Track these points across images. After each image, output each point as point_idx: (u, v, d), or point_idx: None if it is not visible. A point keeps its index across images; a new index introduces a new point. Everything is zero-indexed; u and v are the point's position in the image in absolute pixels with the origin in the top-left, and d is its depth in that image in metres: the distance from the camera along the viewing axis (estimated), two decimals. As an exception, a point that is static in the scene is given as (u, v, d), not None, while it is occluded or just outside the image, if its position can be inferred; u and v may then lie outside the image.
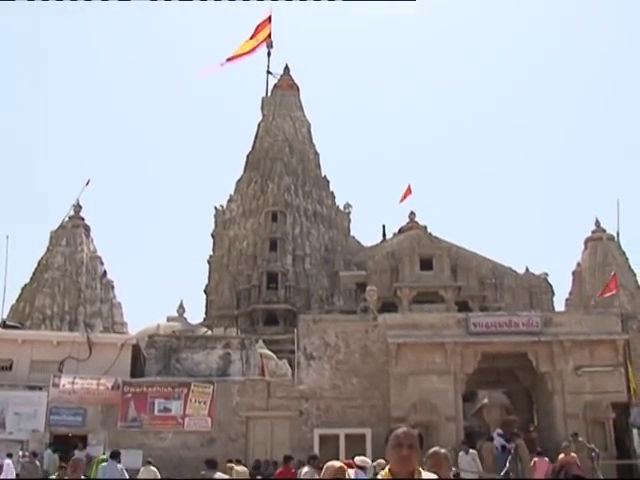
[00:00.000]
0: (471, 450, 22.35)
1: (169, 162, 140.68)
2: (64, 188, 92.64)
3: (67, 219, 42.16)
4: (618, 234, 50.66)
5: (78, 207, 42.94)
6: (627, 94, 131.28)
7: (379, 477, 4.39)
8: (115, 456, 17.56)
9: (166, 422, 26.25)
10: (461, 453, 22.21)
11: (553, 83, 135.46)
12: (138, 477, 19.80)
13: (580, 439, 23.69)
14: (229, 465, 21.40)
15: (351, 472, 14.78)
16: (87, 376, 26.43)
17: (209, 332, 41.30)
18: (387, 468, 4.40)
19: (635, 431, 26.39)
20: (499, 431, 26.54)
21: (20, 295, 39.14)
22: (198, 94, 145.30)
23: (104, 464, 17.47)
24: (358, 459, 15.54)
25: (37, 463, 21.81)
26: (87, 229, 42.85)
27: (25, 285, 39.94)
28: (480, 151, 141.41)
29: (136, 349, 29.45)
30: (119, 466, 16.95)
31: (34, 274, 39.70)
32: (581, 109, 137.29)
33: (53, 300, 36.47)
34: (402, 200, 59.29)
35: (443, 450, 4.86)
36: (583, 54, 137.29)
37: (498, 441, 24.70)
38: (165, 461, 24.24)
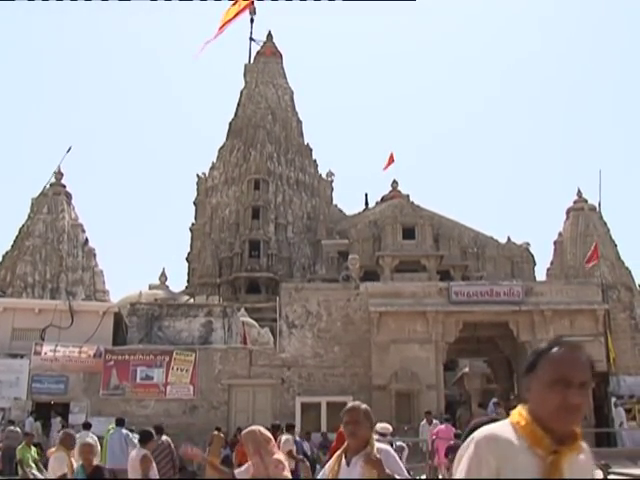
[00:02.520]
0: (435, 422, 20.85)
1: (151, 129, 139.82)
2: (45, 155, 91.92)
3: (48, 186, 41.83)
4: (600, 204, 50.84)
5: (59, 174, 42.60)
6: (611, 64, 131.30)
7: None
8: (120, 423, 17.73)
9: (148, 390, 26.29)
10: (423, 422, 21.45)
11: (537, 53, 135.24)
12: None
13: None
14: (215, 433, 21.49)
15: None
16: (69, 344, 26.39)
17: (191, 300, 41.31)
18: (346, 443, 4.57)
19: (614, 400, 26.69)
20: (495, 400, 26.63)
21: (1, 263, 38.91)
22: (180, 61, 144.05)
23: (111, 431, 17.60)
24: (379, 426, 15.64)
25: (18, 430, 21.81)
26: (68, 196, 42.54)
27: (6, 252, 39.71)
28: (463, 120, 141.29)
29: (118, 317, 29.43)
30: (124, 431, 17.05)
31: (15, 241, 39.46)
32: (563, 78, 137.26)
33: (34, 268, 36.29)
34: (385, 168, 59.25)
35: (364, 406, 4.70)
36: (568, 22, 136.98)
37: (492, 410, 24.75)
38: (139, 429, 24.19)
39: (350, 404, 4.62)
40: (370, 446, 4.44)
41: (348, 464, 4.45)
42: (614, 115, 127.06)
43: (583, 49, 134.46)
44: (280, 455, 6.14)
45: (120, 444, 16.71)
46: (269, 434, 6.31)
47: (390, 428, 16.07)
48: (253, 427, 6.33)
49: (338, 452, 4.58)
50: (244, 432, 6.39)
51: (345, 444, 4.55)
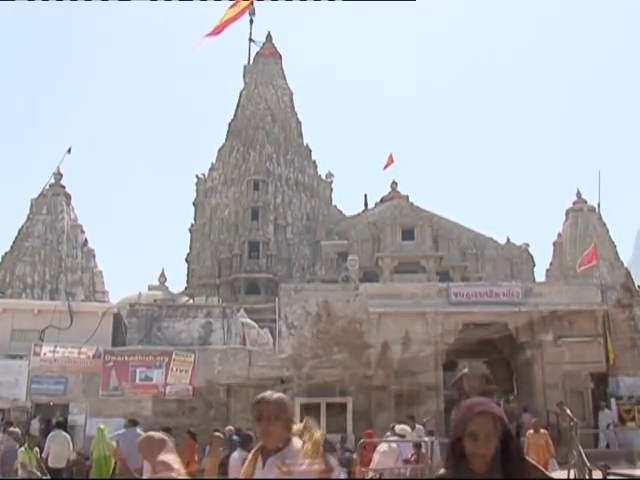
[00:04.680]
0: (418, 426, 19.32)
1: (151, 130, 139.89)
2: (45, 155, 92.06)
3: (48, 187, 41.80)
4: (599, 205, 50.87)
5: (59, 175, 42.58)
6: (612, 67, 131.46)
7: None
8: (135, 424, 17.88)
9: (147, 391, 26.29)
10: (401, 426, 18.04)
11: (537, 55, 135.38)
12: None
13: (565, 408, 23.94)
14: (216, 434, 21.48)
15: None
16: (68, 345, 26.38)
17: (190, 301, 41.29)
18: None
19: (613, 400, 26.71)
20: (494, 401, 26.59)
21: (0, 264, 38.89)
22: (180, 62, 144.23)
23: (123, 430, 17.75)
24: (398, 427, 15.69)
25: (18, 431, 21.80)
26: (68, 197, 42.52)
27: (5, 253, 39.69)
28: (463, 121, 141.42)
29: (117, 318, 29.42)
30: (138, 431, 17.16)
31: (14, 242, 39.44)
32: (564, 81, 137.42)
33: (34, 269, 36.29)
34: (385, 168, 59.24)
35: (276, 396, 4.08)
36: (570, 21, 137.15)
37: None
38: (146, 430, 24.22)
39: (260, 395, 3.96)
40: (289, 445, 3.90)
41: (264, 465, 3.93)
42: (614, 117, 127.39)
43: (582, 50, 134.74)
44: (168, 456, 6.05)
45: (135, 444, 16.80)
46: (165, 438, 6.26)
47: (408, 429, 16.10)
48: (150, 433, 6.34)
49: (253, 451, 4.04)
50: (140, 438, 6.40)
51: (260, 442, 4.01)
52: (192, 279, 57.41)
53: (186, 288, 56.04)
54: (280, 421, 3.92)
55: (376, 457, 14.74)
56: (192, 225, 62.22)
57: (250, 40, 70.02)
